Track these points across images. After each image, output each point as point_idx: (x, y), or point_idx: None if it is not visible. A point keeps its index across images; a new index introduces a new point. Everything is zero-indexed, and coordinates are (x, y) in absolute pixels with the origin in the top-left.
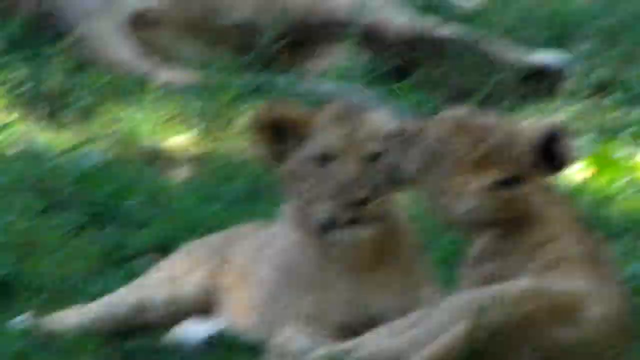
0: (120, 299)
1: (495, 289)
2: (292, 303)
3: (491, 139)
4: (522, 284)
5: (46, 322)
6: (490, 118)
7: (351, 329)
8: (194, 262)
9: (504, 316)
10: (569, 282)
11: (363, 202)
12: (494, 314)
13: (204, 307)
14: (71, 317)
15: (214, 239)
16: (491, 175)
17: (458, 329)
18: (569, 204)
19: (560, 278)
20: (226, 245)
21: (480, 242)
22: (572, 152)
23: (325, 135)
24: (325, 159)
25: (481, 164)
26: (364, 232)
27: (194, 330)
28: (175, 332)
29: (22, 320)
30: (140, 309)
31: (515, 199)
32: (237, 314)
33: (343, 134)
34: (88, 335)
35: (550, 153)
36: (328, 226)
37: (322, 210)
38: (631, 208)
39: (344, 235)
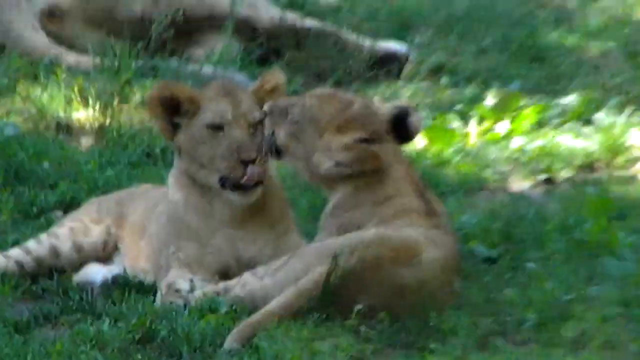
0: (35, 246)
1: (348, 237)
2: (177, 251)
3: (353, 107)
4: (370, 232)
5: None
6: (349, 94)
7: (227, 273)
8: (96, 216)
9: (355, 260)
10: (409, 231)
11: (252, 161)
12: (347, 259)
13: (104, 254)
14: None
15: (112, 197)
16: (353, 135)
17: (317, 272)
18: (412, 166)
19: (401, 227)
20: (123, 203)
21: (337, 196)
22: (419, 127)
23: (215, 107)
24: (217, 127)
25: (345, 126)
26: (252, 195)
27: (96, 272)
28: (81, 274)
29: None
30: (52, 254)
31: (371, 155)
32: (132, 260)
33: (230, 105)
34: (8, 275)
35: (401, 127)
36: (225, 183)
37: (219, 169)
38: (461, 170)
39: (235, 196)
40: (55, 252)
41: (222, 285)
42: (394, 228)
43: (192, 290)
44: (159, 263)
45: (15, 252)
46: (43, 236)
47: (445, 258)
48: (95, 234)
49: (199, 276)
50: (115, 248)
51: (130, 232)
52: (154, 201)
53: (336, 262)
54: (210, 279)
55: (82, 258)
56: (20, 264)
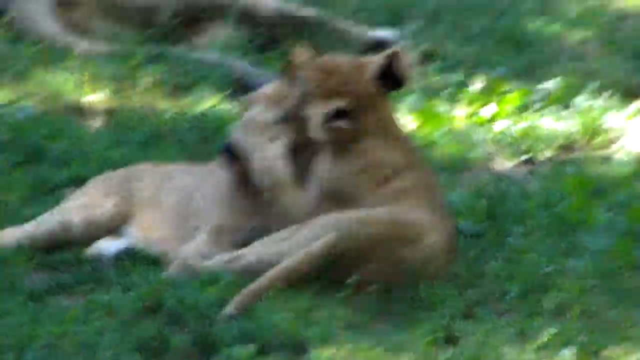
0: (48, 221)
1: (361, 211)
2: (217, 219)
3: (338, 72)
4: (380, 210)
5: None
6: (342, 57)
7: (245, 241)
8: (104, 191)
9: (362, 234)
10: (415, 213)
11: None
12: (354, 231)
13: (114, 228)
14: (8, 236)
15: (119, 173)
16: (333, 104)
17: (322, 241)
18: (399, 138)
19: (408, 208)
20: (131, 179)
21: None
22: (407, 71)
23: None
24: None
25: (329, 94)
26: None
27: (107, 246)
28: (93, 247)
29: None
30: (63, 228)
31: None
32: (145, 232)
33: None
34: (21, 250)
35: (392, 74)
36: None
37: None
38: (448, 151)
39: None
40: (66, 226)
41: (234, 253)
42: (401, 208)
43: (209, 257)
44: (179, 232)
45: (27, 227)
46: (54, 211)
47: (445, 240)
48: (104, 208)
49: (220, 244)
50: (124, 222)
51: (142, 206)
52: (165, 176)
53: (344, 233)
54: (230, 248)
55: (92, 232)
56: (32, 238)
